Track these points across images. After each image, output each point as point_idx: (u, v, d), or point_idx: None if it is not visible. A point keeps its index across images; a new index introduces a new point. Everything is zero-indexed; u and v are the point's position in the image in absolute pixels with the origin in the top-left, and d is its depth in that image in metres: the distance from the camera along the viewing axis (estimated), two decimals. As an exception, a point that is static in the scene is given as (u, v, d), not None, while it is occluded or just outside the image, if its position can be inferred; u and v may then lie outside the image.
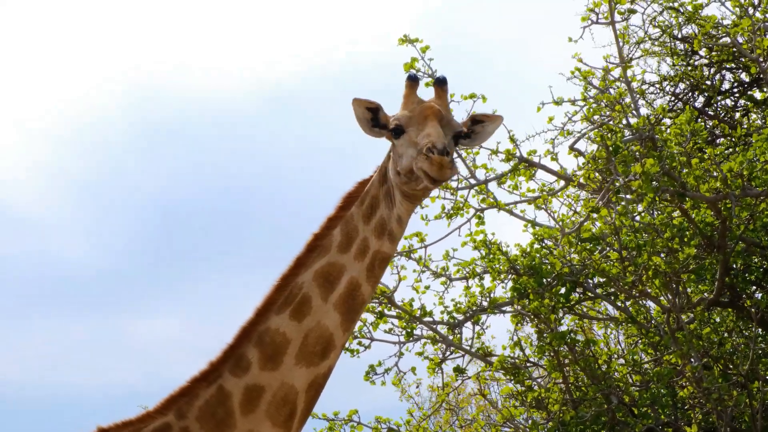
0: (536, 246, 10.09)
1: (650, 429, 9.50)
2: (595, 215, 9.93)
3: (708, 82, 12.92)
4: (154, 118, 27.93)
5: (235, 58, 27.84)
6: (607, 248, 9.90)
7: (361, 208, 4.92)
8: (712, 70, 12.92)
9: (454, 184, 10.55)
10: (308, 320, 4.77)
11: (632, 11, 11.49)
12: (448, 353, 10.46)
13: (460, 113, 13.34)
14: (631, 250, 9.51)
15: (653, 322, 10.15)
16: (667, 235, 9.52)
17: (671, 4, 12.33)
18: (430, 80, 9.70)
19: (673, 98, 13.07)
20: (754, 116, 12.93)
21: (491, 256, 10.02)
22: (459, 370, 10.30)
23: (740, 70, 13.05)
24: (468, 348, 10.39)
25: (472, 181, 10.61)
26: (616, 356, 10.61)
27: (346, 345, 10.05)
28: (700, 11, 11.90)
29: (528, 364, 10.29)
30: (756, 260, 10.28)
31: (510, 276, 9.98)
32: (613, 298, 10.35)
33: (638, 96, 11.34)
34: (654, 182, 9.22)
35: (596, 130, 10.20)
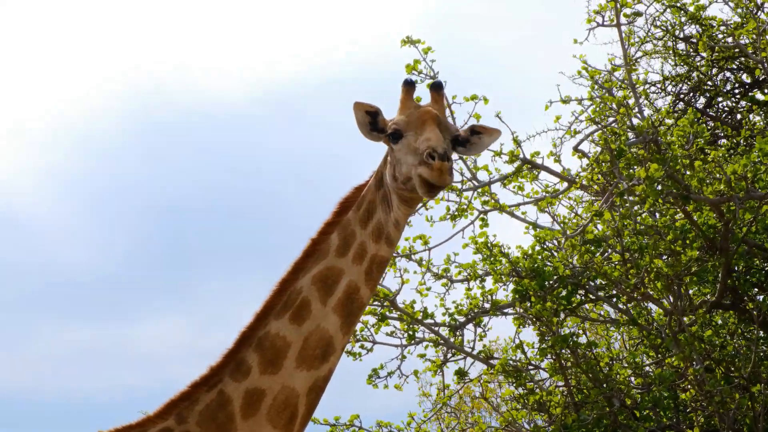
0: (538, 248, 10.07)
1: (652, 432, 9.50)
2: (597, 218, 9.90)
3: (709, 83, 12.89)
4: (155, 119, 27.95)
5: (235, 58, 27.86)
6: (609, 250, 9.88)
7: (358, 212, 4.94)
8: (714, 71, 12.89)
9: (458, 186, 10.53)
10: (308, 324, 4.79)
11: (638, 14, 11.48)
12: (449, 355, 10.45)
13: (461, 115, 13.36)
14: (634, 253, 9.50)
15: (655, 324, 10.13)
16: (669, 237, 9.50)
17: (675, 4, 12.30)
18: (431, 81, 9.67)
19: (674, 99, 13.05)
20: (757, 118, 12.89)
21: (492, 258, 10.00)
22: (461, 373, 10.27)
23: (741, 71, 13.03)
24: (470, 350, 10.37)
25: (476, 183, 10.58)
26: (618, 359, 10.58)
27: (349, 348, 10.07)
28: (702, 12, 11.88)
29: (530, 367, 10.27)
30: (758, 263, 10.27)
31: (512, 278, 9.96)
32: (615, 300, 10.33)
33: (642, 98, 11.32)
34: (658, 186, 9.20)
35: (600, 132, 10.19)
